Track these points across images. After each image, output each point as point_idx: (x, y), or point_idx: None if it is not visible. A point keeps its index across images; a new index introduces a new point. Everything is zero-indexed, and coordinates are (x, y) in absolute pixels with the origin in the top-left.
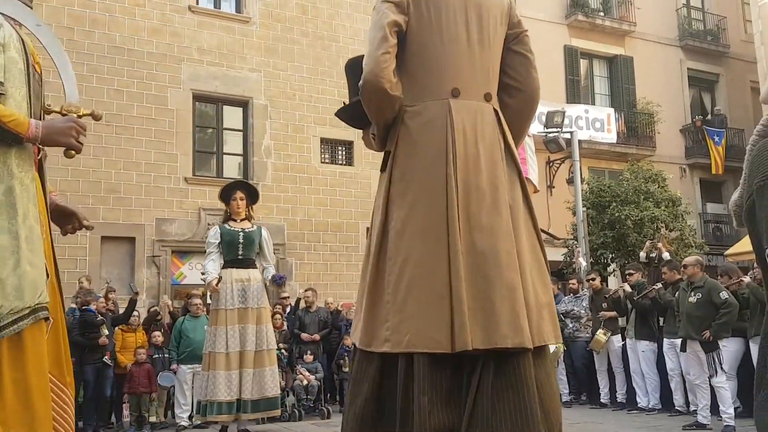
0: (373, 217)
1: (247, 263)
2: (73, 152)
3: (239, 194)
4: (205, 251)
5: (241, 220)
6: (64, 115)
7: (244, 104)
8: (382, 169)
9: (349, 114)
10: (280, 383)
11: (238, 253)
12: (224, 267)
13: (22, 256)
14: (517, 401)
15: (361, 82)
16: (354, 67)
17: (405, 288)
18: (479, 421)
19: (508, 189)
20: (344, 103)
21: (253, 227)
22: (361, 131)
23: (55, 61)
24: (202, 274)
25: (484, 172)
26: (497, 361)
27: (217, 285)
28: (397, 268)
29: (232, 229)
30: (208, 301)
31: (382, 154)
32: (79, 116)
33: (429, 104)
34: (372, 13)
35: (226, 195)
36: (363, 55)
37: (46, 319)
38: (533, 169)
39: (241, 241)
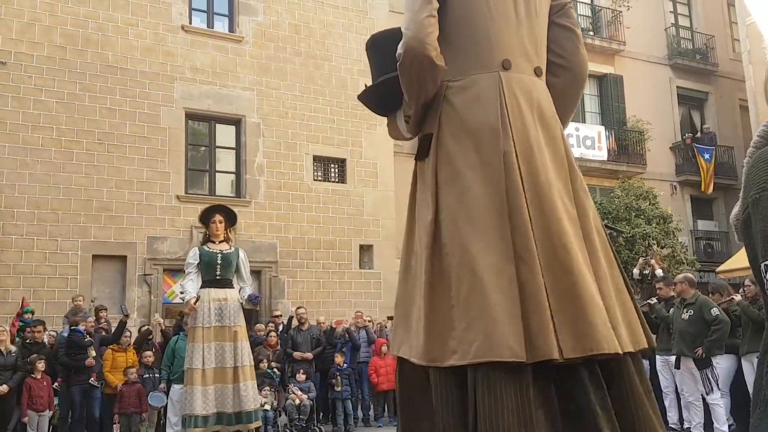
0: (418, 211)
1: (224, 283)
2: None
3: (218, 217)
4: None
5: (220, 242)
6: None
7: (236, 122)
8: (420, 157)
9: (374, 97)
10: (272, 403)
11: (216, 273)
12: (202, 287)
13: None
14: (632, 414)
15: (400, 50)
16: (378, 45)
17: (467, 287)
18: None
19: (570, 174)
20: (366, 86)
21: (231, 249)
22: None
23: None
24: (181, 293)
25: (547, 153)
26: (602, 368)
27: (195, 304)
28: (455, 264)
29: (211, 250)
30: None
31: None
32: None
33: (476, 77)
34: None
35: (205, 218)
36: (387, 30)
37: None
38: None
39: (218, 262)
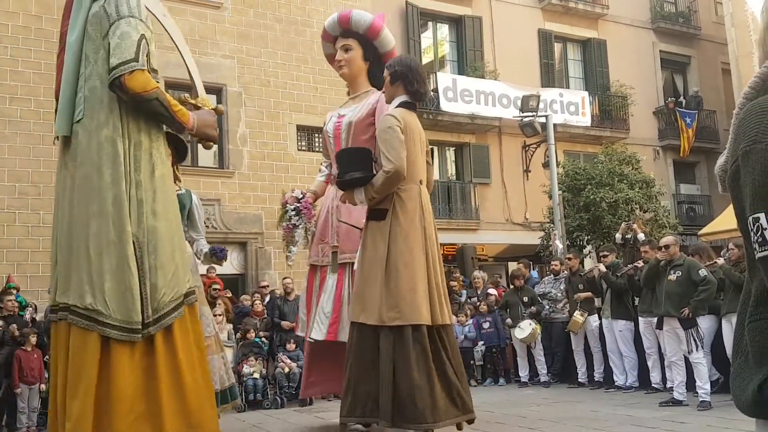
0: (376, 246)
1: None
2: (211, 144)
3: None
4: None
5: None
6: (198, 108)
7: (217, 91)
8: (381, 218)
9: (344, 184)
10: (260, 371)
11: None
12: None
13: (176, 243)
14: (456, 360)
15: (390, 168)
16: (346, 155)
17: (404, 286)
18: (455, 369)
19: (434, 231)
20: (336, 177)
21: (180, 190)
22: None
23: (182, 54)
24: None
25: (432, 225)
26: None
27: None
28: (400, 275)
29: None
30: None
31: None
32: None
33: (411, 186)
34: (388, 130)
35: None
36: (351, 148)
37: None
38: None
39: None
